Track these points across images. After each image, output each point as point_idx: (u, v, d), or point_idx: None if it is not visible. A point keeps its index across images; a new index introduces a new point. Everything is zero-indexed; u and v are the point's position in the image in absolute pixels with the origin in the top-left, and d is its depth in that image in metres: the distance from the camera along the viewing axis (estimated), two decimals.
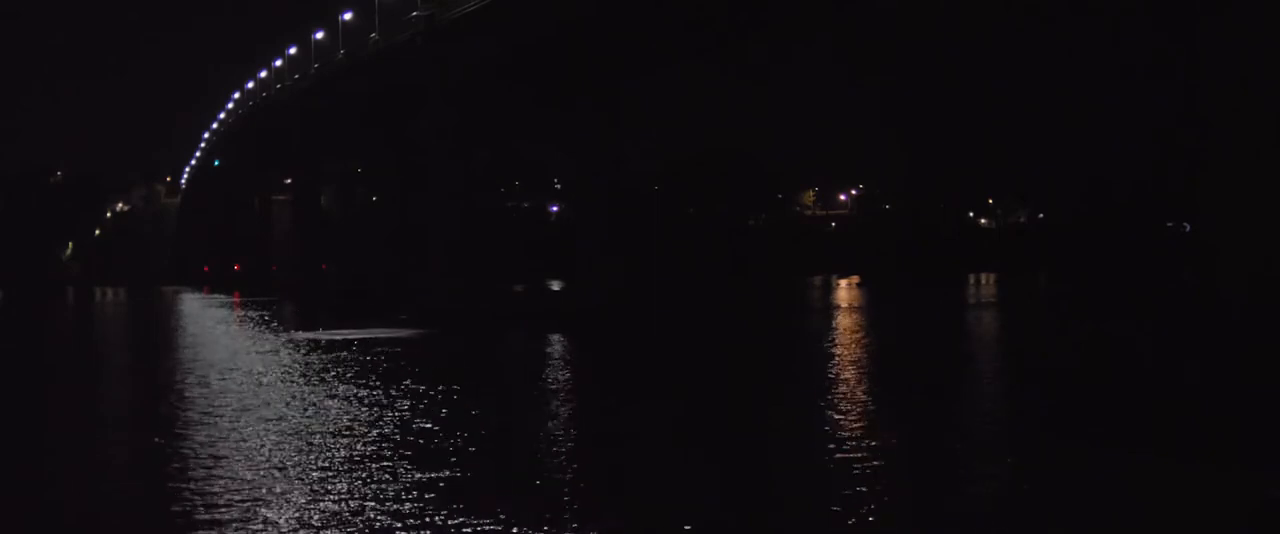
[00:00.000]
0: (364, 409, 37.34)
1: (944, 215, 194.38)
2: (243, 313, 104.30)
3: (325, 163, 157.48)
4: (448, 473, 27.18)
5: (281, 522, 22.82)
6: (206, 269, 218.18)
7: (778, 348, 63.03)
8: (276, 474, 27.17)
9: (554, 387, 45.24)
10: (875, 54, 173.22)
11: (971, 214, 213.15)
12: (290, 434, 32.68)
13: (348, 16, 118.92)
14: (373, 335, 68.71)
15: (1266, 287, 46.39)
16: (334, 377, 46.95)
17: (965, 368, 52.03)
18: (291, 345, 63.80)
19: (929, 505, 24.90)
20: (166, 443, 31.91)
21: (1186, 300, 71.47)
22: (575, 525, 22.50)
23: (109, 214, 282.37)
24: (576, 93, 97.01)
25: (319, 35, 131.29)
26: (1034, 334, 70.19)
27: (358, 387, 43.26)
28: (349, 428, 33.61)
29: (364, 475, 26.88)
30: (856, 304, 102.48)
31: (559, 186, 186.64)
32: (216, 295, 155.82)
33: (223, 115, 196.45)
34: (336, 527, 22.45)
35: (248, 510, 23.68)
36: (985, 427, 34.83)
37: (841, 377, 46.29)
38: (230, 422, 35.14)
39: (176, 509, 24.09)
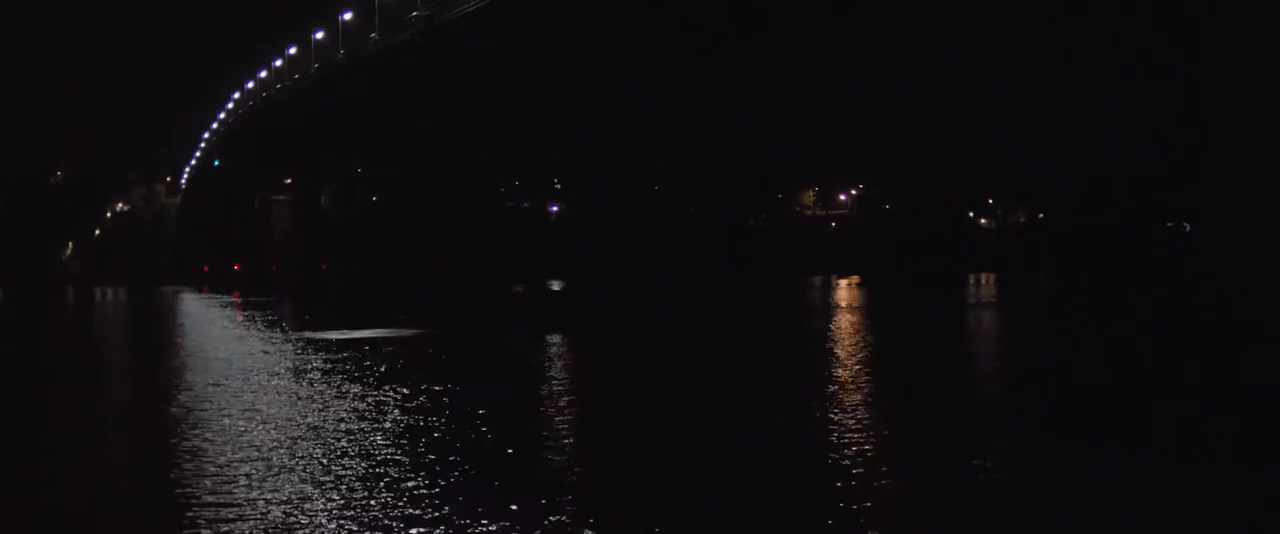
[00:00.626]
0: (367, 409, 37.35)
1: (944, 215, 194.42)
2: (243, 313, 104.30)
3: (325, 163, 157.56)
4: (449, 473, 27.18)
5: (287, 521, 22.83)
6: (206, 269, 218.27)
7: (778, 348, 63.03)
8: (284, 474, 27.18)
9: (554, 387, 45.23)
10: (875, 54, 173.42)
11: (971, 214, 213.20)
12: (294, 435, 32.69)
13: (348, 16, 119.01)
14: (373, 335, 68.73)
15: (1266, 286, 46.37)
16: (336, 377, 46.96)
17: (965, 368, 52.03)
18: (293, 346, 63.81)
19: (929, 505, 24.90)
20: (175, 444, 31.93)
21: (1186, 300, 71.44)
22: (576, 525, 22.51)
23: (109, 214, 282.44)
24: (576, 93, 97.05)
25: (319, 35, 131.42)
26: (1034, 334, 70.18)
27: (360, 386, 43.26)
28: (353, 428, 33.61)
29: (366, 475, 26.89)
30: (856, 304, 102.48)
31: (559, 187, 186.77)
32: (216, 295, 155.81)
33: (223, 115, 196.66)
34: (341, 527, 22.46)
35: (260, 509, 23.71)
36: (985, 427, 34.82)
37: (841, 377, 46.29)
38: (239, 422, 35.14)
39: (184, 506, 24.14)
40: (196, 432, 33.47)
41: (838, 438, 31.59)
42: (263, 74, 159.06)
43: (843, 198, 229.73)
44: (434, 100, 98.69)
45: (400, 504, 24.05)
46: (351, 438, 31.89)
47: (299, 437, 32.25)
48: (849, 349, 58.61)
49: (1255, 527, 22.77)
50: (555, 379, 48.11)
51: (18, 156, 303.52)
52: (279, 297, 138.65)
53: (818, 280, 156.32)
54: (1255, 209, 47.97)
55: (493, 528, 22.30)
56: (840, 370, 48.68)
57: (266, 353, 59.67)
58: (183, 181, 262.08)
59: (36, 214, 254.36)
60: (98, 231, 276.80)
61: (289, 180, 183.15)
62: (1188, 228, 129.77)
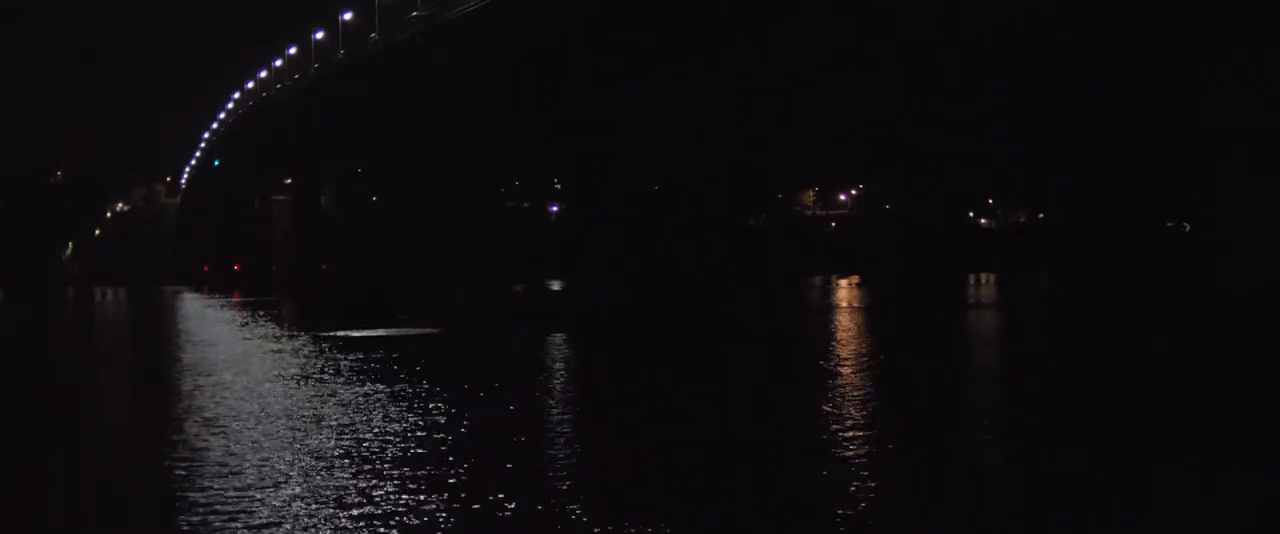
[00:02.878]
0: (370, 409, 37.36)
1: (944, 215, 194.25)
2: (244, 313, 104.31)
3: (325, 163, 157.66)
4: (450, 473, 27.20)
5: (291, 520, 22.90)
6: (206, 269, 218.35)
7: (778, 348, 63.03)
8: (289, 473, 27.22)
9: (555, 386, 45.26)
10: (875, 54, 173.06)
11: (971, 214, 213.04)
12: (298, 440, 32.73)
13: (348, 16, 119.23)
14: (373, 335, 68.75)
15: (1266, 286, 46.44)
16: (340, 377, 46.99)
17: (965, 368, 52.04)
18: (294, 346, 63.86)
19: (929, 505, 24.90)
20: (187, 443, 32.00)
21: (1187, 300, 71.49)
22: (577, 524, 22.53)
23: (109, 214, 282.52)
24: (576, 93, 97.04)
25: (319, 35, 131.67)
26: (1034, 334, 70.19)
27: (361, 386, 43.28)
28: (357, 428, 33.65)
29: (367, 474, 26.93)
30: (856, 304, 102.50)
31: (559, 187, 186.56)
32: (217, 295, 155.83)
33: (223, 115, 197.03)
34: (345, 526, 22.50)
35: (274, 510, 23.78)
36: (985, 427, 34.82)
37: (841, 376, 46.29)
38: (249, 423, 35.20)
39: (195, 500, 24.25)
40: (209, 432, 33.56)
41: (838, 438, 31.59)
42: (263, 74, 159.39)
43: (843, 198, 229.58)
44: (434, 100, 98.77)
45: (399, 503, 24.07)
46: (356, 438, 31.94)
47: (303, 442, 32.31)
48: (849, 349, 58.63)
49: (1255, 527, 22.78)
50: (555, 379, 48.14)
51: (18, 156, 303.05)
52: (279, 297, 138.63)
53: (818, 280, 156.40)
54: (1255, 209, 48.06)
55: (493, 528, 22.36)
56: (840, 370, 48.68)
57: (270, 354, 59.77)
58: (183, 181, 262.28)
59: (36, 214, 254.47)
60: (98, 231, 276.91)
61: (289, 180, 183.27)
62: (1188, 228, 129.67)
